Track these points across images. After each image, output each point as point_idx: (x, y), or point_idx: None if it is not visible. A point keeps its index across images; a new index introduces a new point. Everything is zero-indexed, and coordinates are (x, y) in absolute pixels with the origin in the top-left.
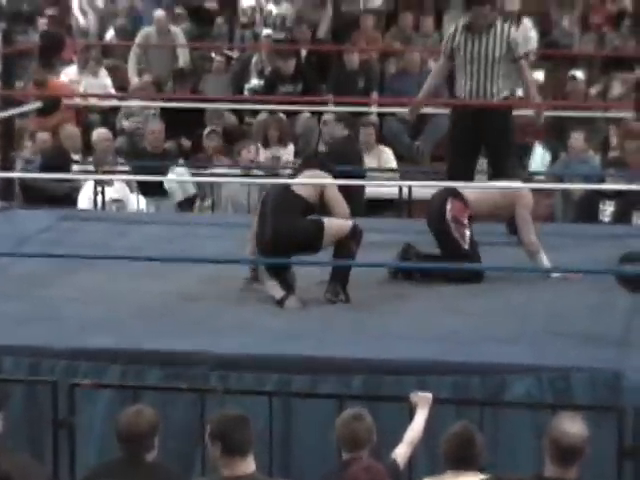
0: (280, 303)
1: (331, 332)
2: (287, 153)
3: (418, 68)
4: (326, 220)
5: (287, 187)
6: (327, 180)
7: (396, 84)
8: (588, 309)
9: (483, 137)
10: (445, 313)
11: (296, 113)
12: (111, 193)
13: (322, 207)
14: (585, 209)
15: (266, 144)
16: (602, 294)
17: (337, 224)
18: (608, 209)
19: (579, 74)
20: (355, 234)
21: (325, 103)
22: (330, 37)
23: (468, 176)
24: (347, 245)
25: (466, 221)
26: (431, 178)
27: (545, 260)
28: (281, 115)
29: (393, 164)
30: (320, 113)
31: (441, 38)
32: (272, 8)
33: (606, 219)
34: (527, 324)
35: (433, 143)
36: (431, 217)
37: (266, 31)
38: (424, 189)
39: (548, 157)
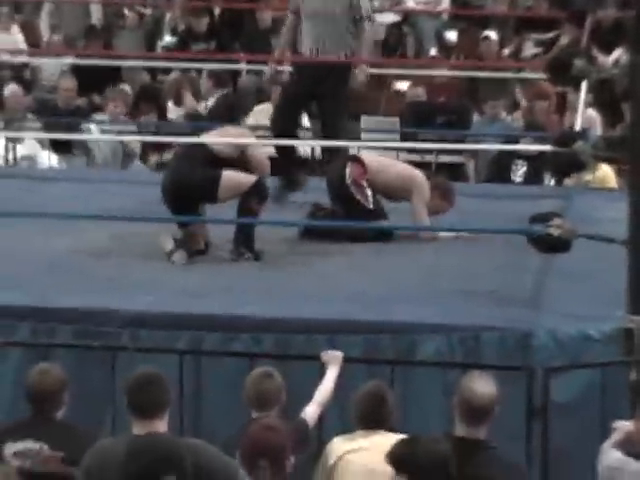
0: (168, 256)
1: (242, 291)
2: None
3: None
4: (225, 173)
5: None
6: (243, 140)
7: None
8: (498, 269)
9: (316, 94)
10: (355, 272)
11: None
12: (21, 150)
13: (242, 162)
14: (498, 169)
15: (179, 102)
16: (512, 254)
17: (237, 178)
18: (520, 169)
19: (492, 34)
20: (258, 190)
21: (237, 61)
22: None
23: (290, 130)
24: (248, 202)
25: (365, 183)
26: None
27: None
28: (193, 73)
29: (306, 123)
30: (234, 72)
31: None
32: None
33: (518, 179)
34: (437, 283)
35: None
36: (332, 182)
37: None
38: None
39: None
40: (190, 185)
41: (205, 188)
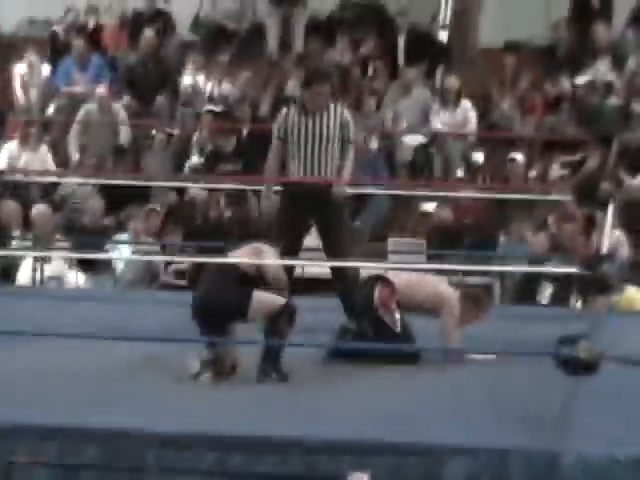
0: (194, 378)
1: (268, 411)
2: None
3: (364, 149)
4: (256, 293)
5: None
6: (265, 259)
7: None
8: (526, 391)
9: (314, 218)
10: (382, 393)
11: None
12: (49, 270)
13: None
14: (524, 291)
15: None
16: (540, 376)
17: (267, 298)
18: (547, 291)
19: (518, 156)
20: (287, 312)
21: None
22: (271, 116)
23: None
24: (277, 322)
25: (394, 306)
26: (371, 258)
27: None
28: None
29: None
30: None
31: (382, 121)
32: (214, 87)
33: (545, 301)
34: (465, 404)
35: (372, 223)
36: (359, 303)
37: (207, 106)
38: (363, 269)
39: None
40: (221, 305)
41: (236, 308)
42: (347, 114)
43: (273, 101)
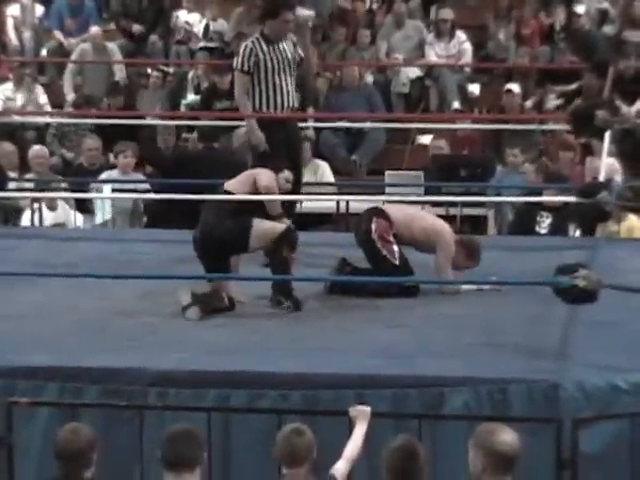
0: (183, 311)
1: (269, 347)
2: None
3: (357, 82)
4: (255, 221)
5: (222, 188)
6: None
7: (333, 99)
8: (525, 321)
9: (291, 148)
10: (381, 327)
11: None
12: (51, 217)
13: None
14: (522, 221)
15: None
16: (539, 306)
17: (267, 225)
18: (545, 221)
19: (515, 87)
20: (288, 237)
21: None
22: None
23: None
24: (279, 250)
25: (392, 238)
26: (368, 192)
27: None
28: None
29: (330, 178)
30: None
31: (377, 51)
32: (209, 24)
33: (543, 231)
34: (464, 337)
35: (370, 156)
36: (359, 237)
37: (201, 43)
38: (362, 203)
39: None
40: (221, 236)
41: (236, 238)
42: (291, 34)
43: None
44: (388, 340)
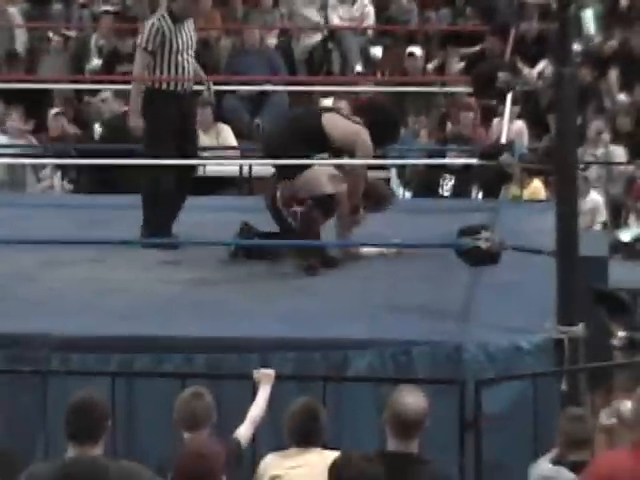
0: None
1: (172, 311)
2: None
3: (258, 45)
4: (315, 168)
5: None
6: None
7: (235, 62)
8: (428, 283)
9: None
10: (285, 291)
11: None
12: None
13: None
14: (425, 184)
15: None
16: (441, 268)
17: (319, 177)
18: (448, 184)
19: (417, 50)
20: (327, 204)
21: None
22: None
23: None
24: (312, 211)
25: (295, 204)
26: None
27: None
28: None
29: (233, 142)
30: None
31: (281, 14)
32: None
33: (446, 193)
34: (367, 299)
35: (272, 120)
36: (266, 202)
37: (103, 7)
38: (264, 167)
39: None
40: (283, 147)
41: (290, 167)
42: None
43: None
44: (292, 304)
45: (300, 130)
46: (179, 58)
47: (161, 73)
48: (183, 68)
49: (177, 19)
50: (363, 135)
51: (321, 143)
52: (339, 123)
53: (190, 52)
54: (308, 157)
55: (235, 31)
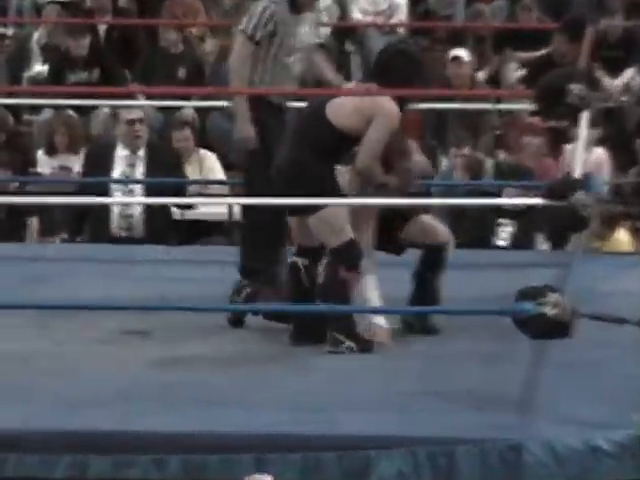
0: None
1: (140, 398)
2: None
3: None
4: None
5: (322, 108)
6: None
7: (222, 69)
8: (477, 362)
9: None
10: (289, 370)
11: (92, 109)
12: None
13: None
14: (475, 231)
15: (52, 151)
16: (496, 341)
17: (334, 221)
18: (505, 230)
19: (464, 54)
20: (348, 252)
21: (131, 96)
22: (136, 7)
23: None
24: (334, 268)
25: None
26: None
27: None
28: (71, 113)
29: (220, 174)
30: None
31: None
32: None
33: (502, 243)
34: (397, 383)
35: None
36: None
37: None
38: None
39: None
40: (297, 180)
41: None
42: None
43: None
44: (296, 388)
45: (307, 137)
46: (288, 60)
47: (262, 73)
48: (288, 71)
49: (297, 8)
50: (379, 103)
51: (335, 142)
52: (345, 105)
53: (303, 54)
54: (328, 169)
55: (223, 28)
